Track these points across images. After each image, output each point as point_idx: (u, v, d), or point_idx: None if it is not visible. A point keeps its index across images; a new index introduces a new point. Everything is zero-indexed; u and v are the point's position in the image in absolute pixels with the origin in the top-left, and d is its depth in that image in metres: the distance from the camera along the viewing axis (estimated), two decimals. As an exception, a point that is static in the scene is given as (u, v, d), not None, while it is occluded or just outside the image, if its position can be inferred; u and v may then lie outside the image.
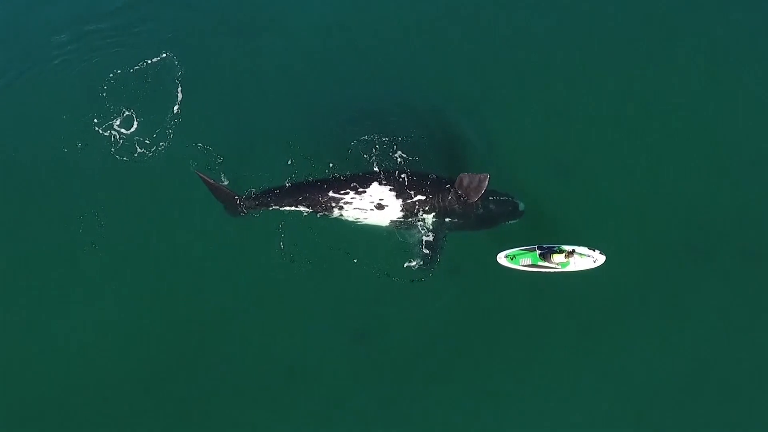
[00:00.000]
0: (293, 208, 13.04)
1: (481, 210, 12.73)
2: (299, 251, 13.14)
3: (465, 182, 12.30)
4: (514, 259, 12.61)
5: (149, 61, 15.35)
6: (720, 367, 12.22)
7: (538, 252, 12.53)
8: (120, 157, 14.42)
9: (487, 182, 12.14)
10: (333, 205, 12.78)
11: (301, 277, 13.06)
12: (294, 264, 13.07)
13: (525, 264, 12.56)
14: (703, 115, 13.74)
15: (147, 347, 13.03)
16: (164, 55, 15.34)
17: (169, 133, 14.61)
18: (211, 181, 12.88)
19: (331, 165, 13.35)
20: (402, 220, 12.80)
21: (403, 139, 13.69)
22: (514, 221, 13.00)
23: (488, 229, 13.05)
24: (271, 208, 13.08)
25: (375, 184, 12.68)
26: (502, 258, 12.68)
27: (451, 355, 12.69)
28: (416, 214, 12.77)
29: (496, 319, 12.80)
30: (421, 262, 12.79)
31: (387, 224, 12.92)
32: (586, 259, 12.42)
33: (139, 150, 14.46)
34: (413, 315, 12.82)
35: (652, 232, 13.06)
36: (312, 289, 13.10)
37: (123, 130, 14.77)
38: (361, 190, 12.67)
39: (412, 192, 12.63)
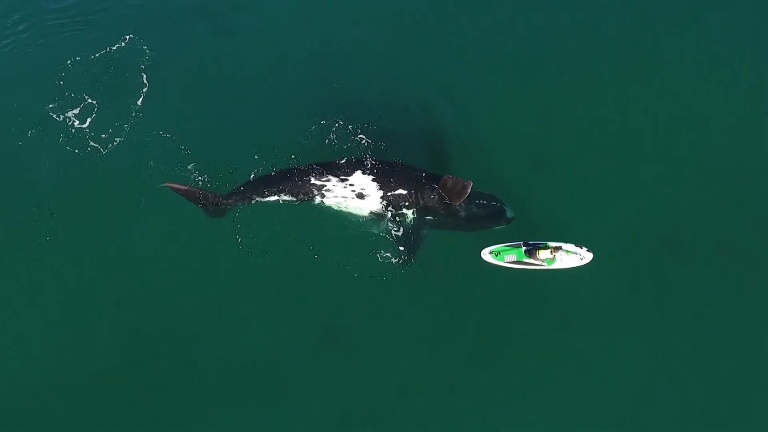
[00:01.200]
0: (274, 198, 12.51)
1: (464, 213, 12.24)
2: (263, 248, 12.55)
3: (448, 185, 11.86)
4: (498, 256, 12.08)
5: (113, 47, 14.45)
6: (705, 364, 11.85)
7: (524, 248, 12.03)
8: (72, 149, 13.57)
9: (469, 189, 11.69)
10: (315, 192, 12.34)
11: (267, 274, 12.52)
12: (258, 261, 12.48)
13: (510, 261, 12.04)
14: (681, 112, 13.42)
15: (100, 347, 12.29)
16: (128, 38, 14.47)
17: (130, 125, 13.74)
18: (184, 187, 12.41)
19: (292, 157, 12.88)
20: (382, 212, 12.35)
21: (368, 125, 13.19)
22: (500, 227, 12.51)
23: (472, 233, 12.54)
24: (254, 201, 12.54)
25: (358, 173, 12.27)
26: (486, 254, 12.14)
27: (428, 354, 12.12)
28: (397, 208, 12.30)
29: (477, 317, 12.24)
30: (399, 257, 12.28)
31: (367, 214, 12.45)
32: (573, 257, 11.96)
33: (92, 144, 13.58)
34: (387, 313, 12.24)
35: (632, 228, 12.63)
36: (278, 288, 12.54)
37: (78, 122, 13.85)
38: (343, 177, 12.27)
39: (394, 185, 12.18)
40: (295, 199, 12.46)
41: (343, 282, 12.26)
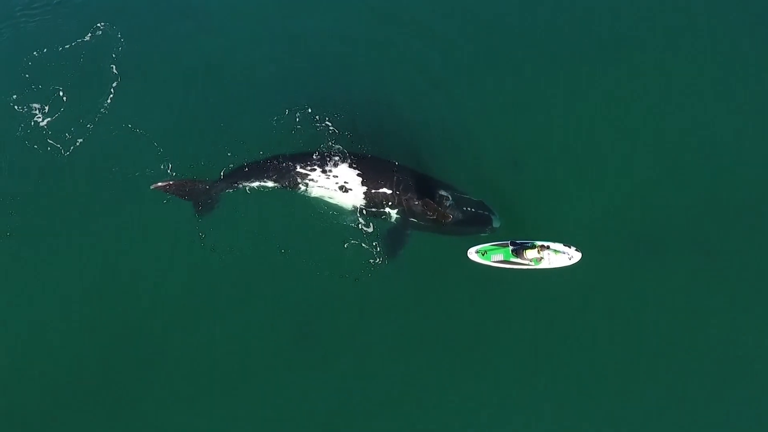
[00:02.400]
0: (260, 183, 12.34)
1: (451, 218, 11.85)
2: (231, 244, 12.28)
3: (430, 208, 11.68)
4: (485, 255, 11.68)
5: (84, 39, 13.97)
6: (686, 363, 11.54)
7: (511, 248, 11.64)
8: (33, 144, 13.13)
9: (450, 219, 11.67)
10: (299, 180, 12.14)
11: (237, 272, 12.20)
12: (227, 257, 12.19)
13: (497, 260, 11.65)
14: (660, 113, 13.22)
15: (65, 346, 11.88)
16: (101, 25, 13.99)
17: (96, 121, 13.34)
18: (172, 183, 12.37)
19: (260, 153, 12.54)
20: (365, 207, 12.04)
21: (338, 116, 12.91)
22: (485, 234, 12.17)
23: (455, 236, 12.14)
24: (240, 186, 12.38)
25: (345, 166, 12.02)
26: (472, 253, 11.73)
27: (403, 354, 11.70)
28: (381, 206, 12.00)
29: (458, 317, 11.86)
30: (378, 257, 11.92)
31: (350, 208, 12.15)
32: (561, 256, 11.60)
33: (53, 142, 13.13)
34: (362, 311, 11.88)
35: (611, 227, 12.34)
36: (248, 286, 12.15)
37: (41, 117, 13.34)
38: (328, 169, 12.04)
39: (380, 183, 11.93)
40: (278, 185, 12.23)
41: (317, 280, 11.90)
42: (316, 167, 12.03)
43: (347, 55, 13.94)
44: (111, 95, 13.55)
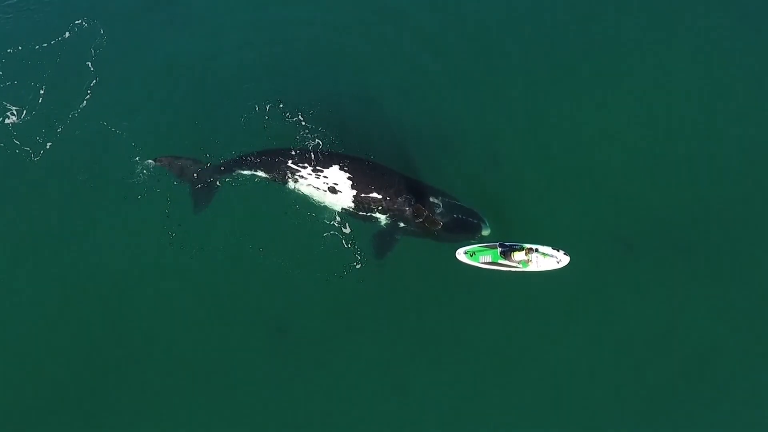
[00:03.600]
0: (252, 172, 12.18)
1: (441, 225, 11.66)
2: (210, 244, 12.10)
3: (420, 215, 11.49)
4: (473, 256, 11.48)
5: (63, 36, 13.70)
6: (671, 366, 11.45)
7: (500, 250, 11.46)
8: (2, 143, 12.87)
9: (439, 227, 11.51)
10: (290, 176, 11.95)
11: (216, 269, 12.00)
12: (204, 256, 12.00)
13: (485, 261, 11.47)
14: (639, 114, 13.18)
15: (39, 348, 11.63)
16: (80, 23, 13.75)
17: (70, 119, 13.06)
18: (173, 158, 12.29)
19: (233, 153, 12.39)
20: (353, 210, 11.83)
21: (312, 111, 12.74)
22: (474, 241, 11.99)
23: (442, 242, 11.94)
24: (234, 173, 12.21)
25: (336, 168, 11.79)
26: (461, 254, 11.54)
27: (383, 354, 11.51)
28: (370, 210, 11.79)
29: (440, 317, 11.69)
30: (369, 256, 11.78)
31: (338, 209, 11.94)
32: (549, 260, 11.46)
33: (24, 143, 12.81)
34: (342, 311, 11.69)
35: (593, 230, 12.23)
36: (228, 284, 11.94)
37: (14, 117, 13.00)
38: (319, 169, 11.83)
39: (370, 188, 11.71)
40: (268, 177, 12.06)
41: (294, 278, 11.71)
42: (307, 165, 11.83)
43: (322, 49, 13.78)
44: (88, 95, 13.27)
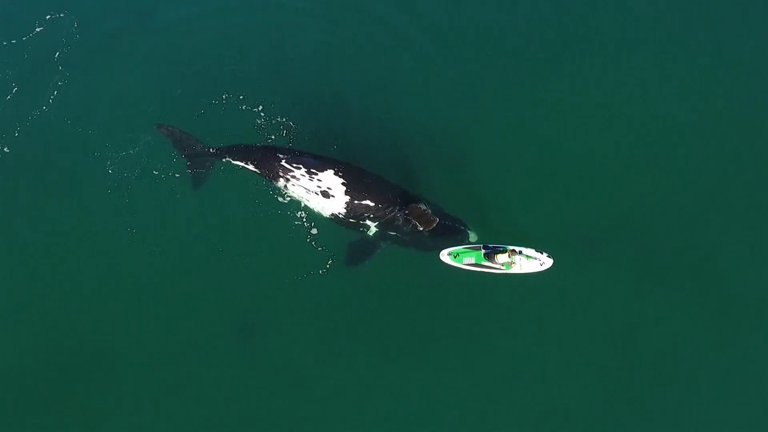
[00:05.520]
0: (243, 165, 11.97)
1: (428, 234, 11.53)
2: (173, 240, 12.13)
3: (416, 214, 11.33)
4: (457, 258, 11.43)
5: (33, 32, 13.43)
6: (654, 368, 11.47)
7: (483, 251, 11.41)
8: None
9: (435, 224, 11.27)
10: (282, 174, 11.68)
11: (180, 267, 12.04)
12: (167, 253, 12.04)
13: (468, 263, 11.45)
14: (607, 112, 12.99)
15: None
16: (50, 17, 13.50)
17: (38, 114, 13.00)
18: (176, 130, 12.02)
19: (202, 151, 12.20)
20: (343, 217, 11.64)
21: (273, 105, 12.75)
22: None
23: (431, 252, 11.83)
24: (224, 160, 12.01)
25: (330, 172, 11.52)
26: (444, 255, 11.51)
27: (355, 356, 11.51)
28: (361, 218, 11.61)
29: (415, 318, 11.67)
30: (350, 261, 11.76)
31: (327, 215, 11.78)
32: (532, 262, 11.44)
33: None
34: (310, 311, 11.67)
35: (555, 227, 12.19)
36: (192, 282, 11.93)
37: None
38: (314, 171, 11.54)
39: (364, 195, 11.49)
40: (258, 172, 11.86)
41: (261, 277, 11.77)
42: (301, 166, 11.57)
43: (288, 42, 13.64)
44: (55, 92, 13.18)
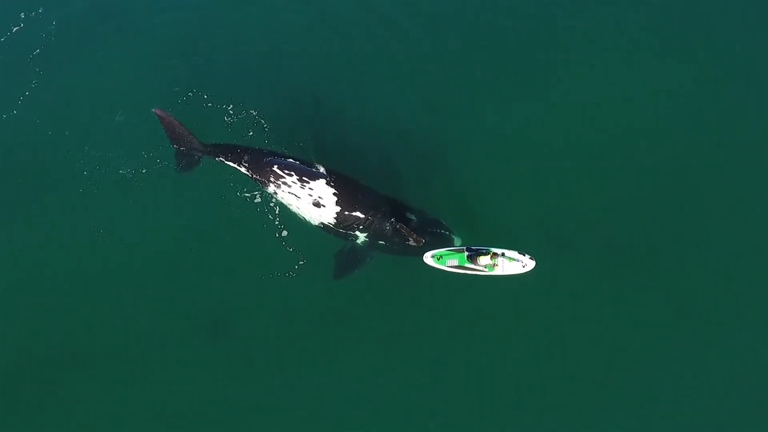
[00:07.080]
0: (235, 166, 12.15)
1: (423, 242, 11.65)
2: (146, 238, 12.32)
3: (406, 232, 11.46)
4: (440, 260, 11.53)
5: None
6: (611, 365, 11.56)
7: (466, 254, 11.51)
8: None
9: (422, 243, 11.50)
10: (273, 180, 11.82)
11: (153, 266, 12.19)
12: (140, 251, 12.21)
13: (452, 265, 11.56)
14: (585, 115, 13.15)
15: None
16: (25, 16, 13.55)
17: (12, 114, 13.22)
18: (172, 119, 12.09)
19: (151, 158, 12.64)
20: (333, 227, 11.77)
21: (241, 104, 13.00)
22: None
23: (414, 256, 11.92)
24: (217, 159, 12.26)
25: (322, 182, 11.65)
26: (428, 257, 11.59)
27: (327, 356, 11.56)
28: (350, 228, 11.73)
29: (400, 316, 11.76)
30: (338, 273, 11.81)
31: (316, 224, 11.91)
32: (515, 264, 11.55)
33: None
34: (283, 310, 11.77)
35: (537, 229, 12.33)
36: (161, 278, 12.11)
37: None
38: (305, 180, 11.66)
39: (353, 205, 11.64)
40: (249, 175, 12.02)
41: (233, 278, 11.91)
42: (293, 173, 11.69)
43: (272, 48, 13.82)
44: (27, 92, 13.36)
